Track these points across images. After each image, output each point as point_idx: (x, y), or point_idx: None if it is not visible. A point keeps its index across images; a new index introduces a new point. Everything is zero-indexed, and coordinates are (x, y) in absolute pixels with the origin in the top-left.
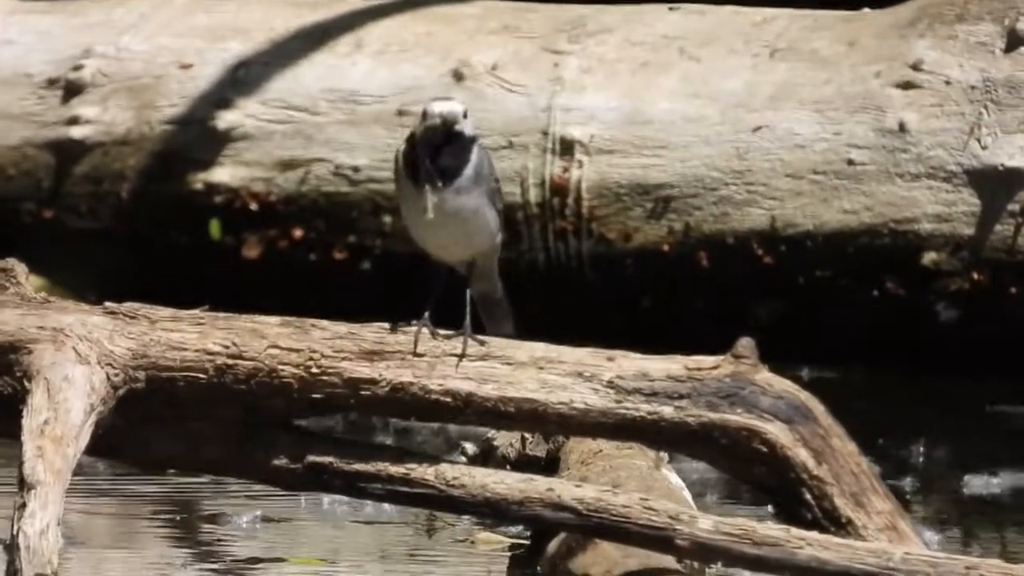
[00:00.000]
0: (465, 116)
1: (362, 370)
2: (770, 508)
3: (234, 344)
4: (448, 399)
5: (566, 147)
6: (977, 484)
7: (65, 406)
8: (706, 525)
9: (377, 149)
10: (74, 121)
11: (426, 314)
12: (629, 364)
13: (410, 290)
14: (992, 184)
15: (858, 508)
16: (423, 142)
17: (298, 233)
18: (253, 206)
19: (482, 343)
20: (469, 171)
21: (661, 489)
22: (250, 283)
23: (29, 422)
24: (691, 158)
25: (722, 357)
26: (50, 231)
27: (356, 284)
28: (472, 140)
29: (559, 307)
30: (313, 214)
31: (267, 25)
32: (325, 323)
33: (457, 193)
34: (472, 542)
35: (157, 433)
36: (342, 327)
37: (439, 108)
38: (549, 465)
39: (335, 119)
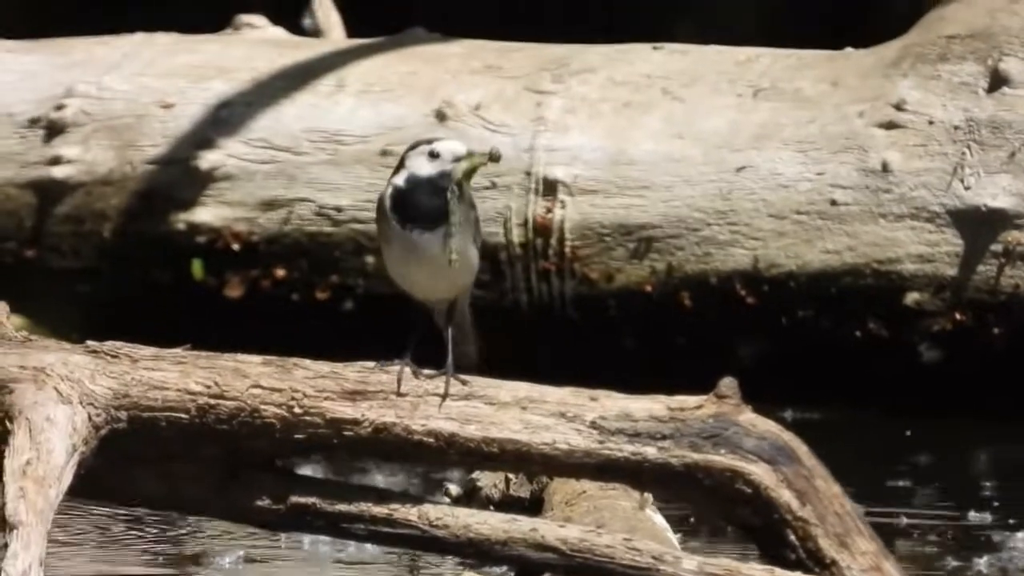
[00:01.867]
0: None
1: (344, 410)
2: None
3: (216, 384)
4: (431, 440)
5: (549, 187)
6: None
7: (47, 446)
8: (690, 566)
9: (360, 189)
10: (56, 161)
11: (408, 354)
12: (612, 404)
13: (392, 330)
14: (975, 224)
15: (842, 549)
16: (456, 183)
17: (280, 273)
18: (235, 246)
19: (465, 383)
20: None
21: (645, 530)
22: (232, 323)
23: (11, 462)
24: (674, 198)
25: (705, 397)
26: (32, 270)
27: (338, 324)
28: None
29: (542, 347)
30: (296, 254)
31: (250, 65)
32: (307, 362)
33: (444, 235)
34: None
35: (139, 473)
36: (324, 367)
37: (458, 147)
38: (533, 506)
39: (318, 159)
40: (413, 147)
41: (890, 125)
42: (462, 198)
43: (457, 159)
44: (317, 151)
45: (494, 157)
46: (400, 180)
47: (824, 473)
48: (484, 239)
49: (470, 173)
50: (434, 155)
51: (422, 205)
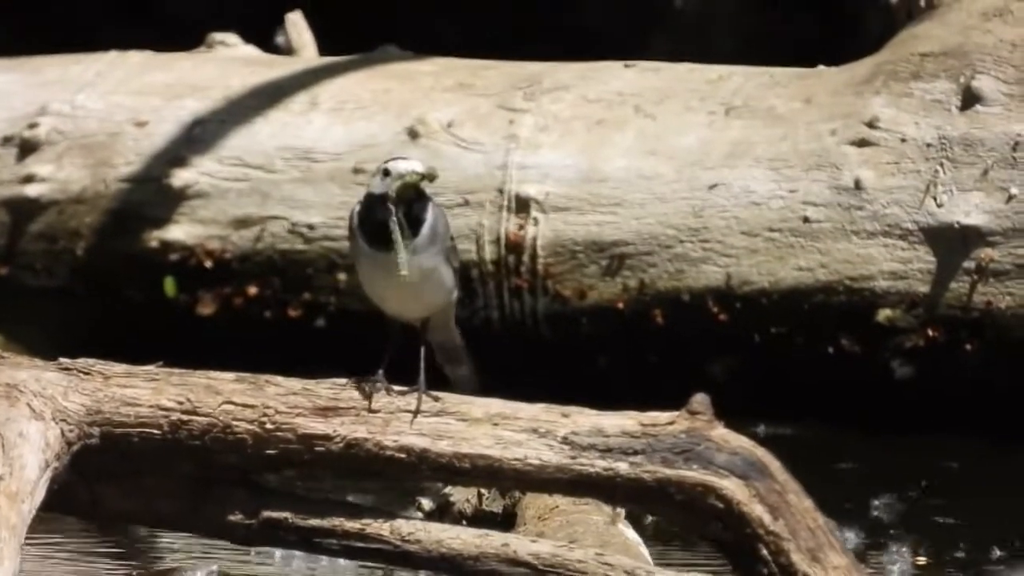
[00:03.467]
0: None
1: (316, 426)
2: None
3: (188, 400)
4: (403, 455)
5: (521, 204)
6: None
7: (20, 462)
8: None
9: (332, 207)
10: (29, 179)
11: (380, 371)
12: (584, 420)
13: (365, 347)
14: (948, 242)
15: (814, 563)
16: (401, 200)
17: (253, 290)
18: (208, 264)
19: (437, 399)
20: (426, 230)
21: (618, 544)
22: (205, 340)
23: None
24: (646, 216)
25: (677, 413)
26: (5, 288)
27: (311, 341)
28: (427, 199)
29: (514, 364)
30: (268, 271)
31: (223, 83)
32: (279, 379)
33: (414, 252)
34: None
35: (112, 488)
36: (296, 383)
37: (407, 166)
38: (506, 520)
39: (290, 176)
40: (380, 166)
41: (863, 143)
42: (414, 215)
43: (400, 177)
44: (290, 169)
45: (429, 175)
46: (363, 198)
47: (796, 488)
48: None
49: (403, 191)
50: (386, 173)
51: (375, 223)
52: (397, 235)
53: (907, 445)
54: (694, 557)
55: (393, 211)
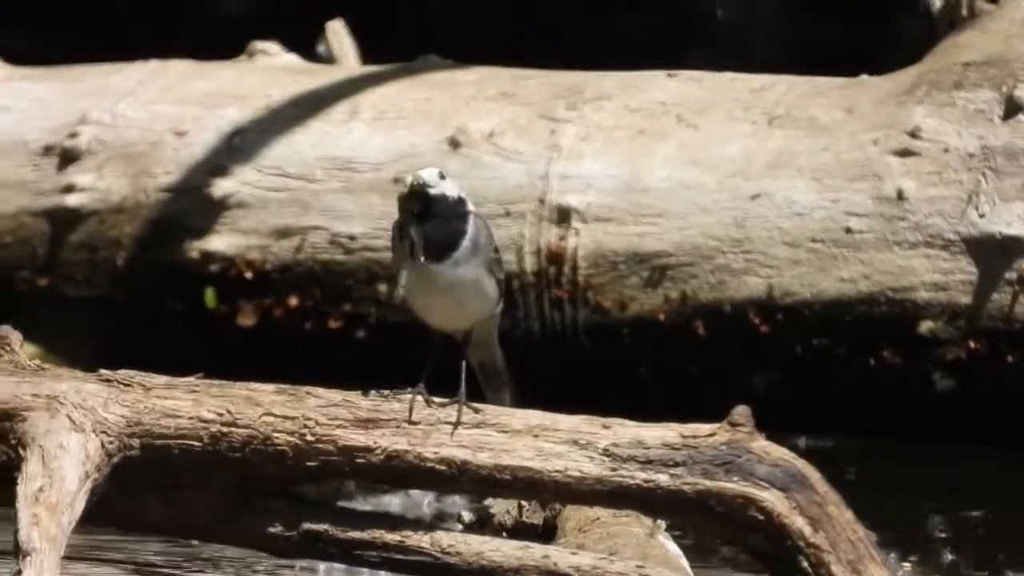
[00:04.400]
0: (442, 178)
1: (357, 438)
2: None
3: (228, 412)
4: (443, 467)
5: (563, 215)
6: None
7: (60, 473)
8: None
9: (373, 217)
10: (70, 189)
11: (421, 382)
12: (624, 432)
13: (405, 358)
14: (990, 252)
15: (855, 575)
16: (401, 211)
17: (293, 302)
18: (248, 274)
19: (477, 411)
20: (467, 242)
21: (658, 556)
22: (245, 351)
23: (24, 489)
24: (688, 226)
25: (718, 425)
26: (45, 299)
27: (351, 352)
28: (463, 209)
29: (554, 375)
30: (309, 282)
31: (263, 92)
32: (320, 391)
33: (455, 264)
34: None
35: (151, 500)
36: (337, 395)
37: (411, 176)
38: (546, 532)
39: (331, 187)
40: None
41: (905, 153)
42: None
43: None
44: (330, 179)
45: (409, 183)
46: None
47: (837, 500)
48: None
49: (401, 200)
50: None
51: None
52: (406, 245)
53: (948, 456)
54: (735, 570)
55: (409, 221)
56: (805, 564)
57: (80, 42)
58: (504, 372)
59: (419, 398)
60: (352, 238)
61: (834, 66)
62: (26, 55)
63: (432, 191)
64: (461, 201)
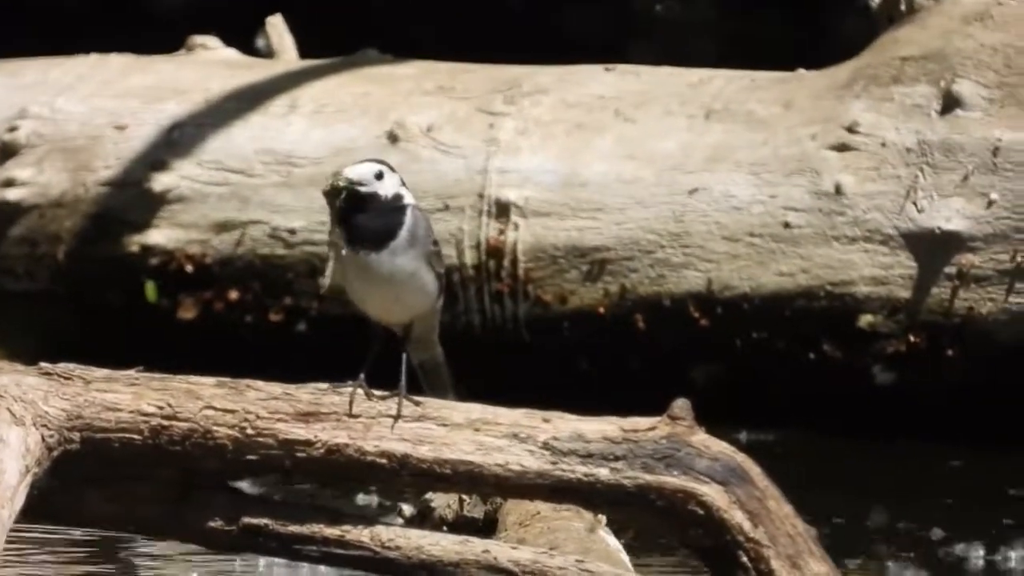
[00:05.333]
0: (379, 177)
1: (297, 431)
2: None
3: (169, 405)
4: (384, 461)
5: (502, 209)
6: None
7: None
8: None
9: (313, 211)
10: (9, 183)
11: (362, 375)
12: (565, 425)
13: (346, 352)
14: (929, 247)
15: (794, 570)
16: (329, 204)
17: (234, 295)
18: (189, 268)
19: (417, 404)
20: (404, 233)
21: (599, 551)
22: (186, 345)
23: None
24: (627, 221)
25: (658, 419)
26: None
27: (292, 346)
28: (400, 203)
29: (495, 369)
30: (249, 276)
31: (203, 86)
32: (260, 384)
33: (392, 254)
34: None
35: (92, 494)
36: (277, 388)
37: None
38: (487, 527)
39: (271, 181)
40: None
41: (843, 147)
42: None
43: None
44: (270, 173)
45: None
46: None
47: (776, 494)
48: None
49: (327, 195)
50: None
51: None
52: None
53: (888, 451)
54: (675, 564)
55: (334, 212)
56: (745, 559)
57: (21, 36)
58: (445, 369)
59: (359, 391)
60: (292, 232)
61: (773, 63)
62: None
63: (363, 189)
64: (397, 196)
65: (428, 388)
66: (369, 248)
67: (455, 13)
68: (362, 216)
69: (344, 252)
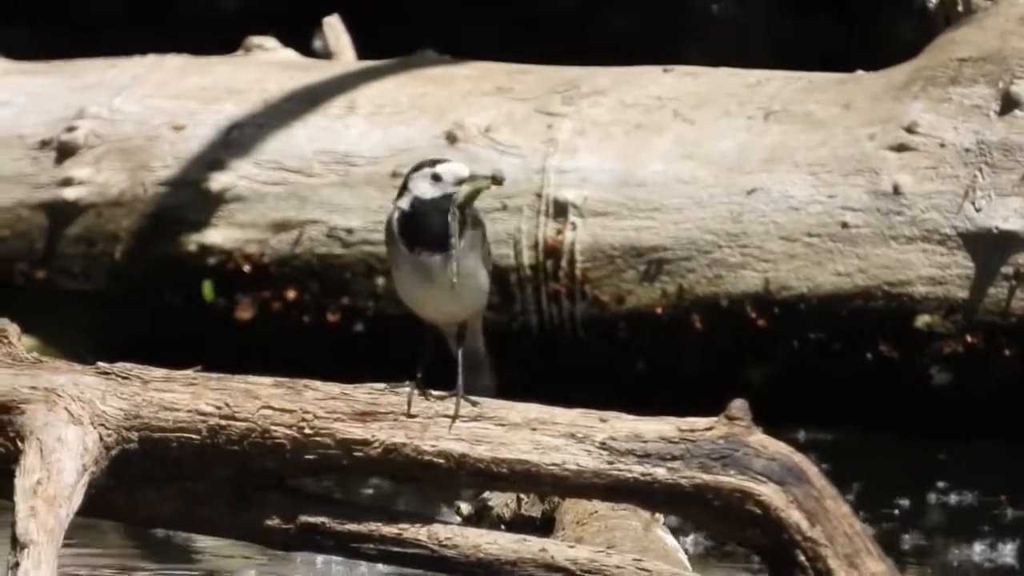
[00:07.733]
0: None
1: (355, 431)
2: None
3: (227, 405)
4: (441, 460)
5: (560, 209)
6: (978, 549)
7: (58, 466)
8: None
9: (371, 211)
10: (67, 182)
11: (419, 375)
12: (622, 425)
13: (403, 352)
14: (986, 247)
15: (852, 569)
16: (464, 207)
17: (291, 295)
18: (246, 268)
19: (475, 404)
20: (468, 234)
21: (656, 550)
22: (243, 344)
23: (22, 482)
24: (684, 220)
25: (716, 419)
26: (43, 292)
27: (349, 345)
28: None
29: (552, 369)
30: (306, 276)
31: (260, 87)
32: (318, 384)
33: (458, 257)
34: None
35: (150, 493)
36: (335, 388)
37: (457, 168)
38: (544, 525)
39: (329, 181)
40: (416, 169)
41: (901, 148)
42: (466, 220)
43: (459, 182)
44: (328, 173)
45: (497, 180)
46: (405, 203)
47: (834, 493)
48: (495, 261)
49: (473, 196)
50: (437, 178)
51: (427, 228)
52: (458, 241)
53: (945, 450)
54: (733, 563)
55: (456, 216)
56: (802, 558)
57: (76, 39)
58: (486, 359)
59: (416, 391)
60: (350, 231)
61: (826, 64)
62: (21, 53)
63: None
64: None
65: (467, 375)
66: (428, 250)
67: (510, 14)
68: (422, 219)
69: (402, 254)
